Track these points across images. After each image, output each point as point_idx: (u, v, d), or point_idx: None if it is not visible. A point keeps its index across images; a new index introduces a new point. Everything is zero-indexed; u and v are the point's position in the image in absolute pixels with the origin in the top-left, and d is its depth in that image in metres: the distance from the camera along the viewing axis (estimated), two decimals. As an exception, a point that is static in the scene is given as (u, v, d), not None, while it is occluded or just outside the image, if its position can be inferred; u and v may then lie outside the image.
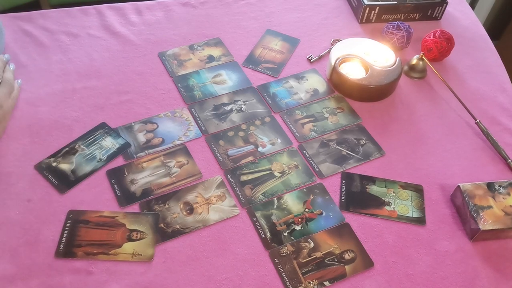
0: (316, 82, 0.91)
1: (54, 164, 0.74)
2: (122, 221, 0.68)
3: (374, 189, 0.75)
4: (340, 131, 0.83)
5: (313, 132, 0.82)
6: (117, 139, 0.79)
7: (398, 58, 0.89)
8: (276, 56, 0.95)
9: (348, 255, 0.67)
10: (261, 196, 0.73)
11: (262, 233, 0.69)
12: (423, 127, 0.85)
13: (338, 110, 0.86)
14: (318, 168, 0.77)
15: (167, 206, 0.71)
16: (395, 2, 1.01)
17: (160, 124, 0.81)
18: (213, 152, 0.78)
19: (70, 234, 0.66)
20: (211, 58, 0.94)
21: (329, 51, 0.94)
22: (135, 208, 0.71)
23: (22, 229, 0.67)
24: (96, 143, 0.78)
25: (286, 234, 0.69)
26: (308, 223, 0.70)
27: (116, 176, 0.74)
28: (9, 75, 0.80)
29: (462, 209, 0.72)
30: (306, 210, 0.72)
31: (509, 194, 0.72)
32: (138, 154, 0.77)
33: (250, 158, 0.78)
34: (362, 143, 0.81)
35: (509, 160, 0.80)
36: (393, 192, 0.75)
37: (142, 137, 0.79)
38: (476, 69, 0.96)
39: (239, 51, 0.96)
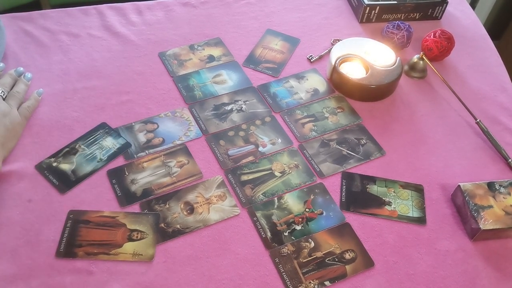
0: (316, 82, 0.91)
1: (54, 164, 0.74)
2: (123, 221, 0.68)
3: (374, 188, 0.75)
4: (340, 131, 0.83)
5: (313, 132, 0.82)
6: (118, 139, 0.79)
7: (398, 58, 0.89)
8: (276, 56, 0.95)
9: (349, 255, 0.67)
10: (261, 196, 0.73)
11: (262, 233, 0.69)
12: (424, 127, 0.85)
13: (338, 110, 0.86)
14: (319, 168, 0.77)
15: (167, 206, 0.71)
16: (396, 2, 1.01)
17: (161, 124, 0.81)
18: (214, 152, 0.78)
19: (71, 234, 0.66)
20: (211, 58, 0.94)
21: (329, 51, 0.94)
22: (135, 208, 0.71)
23: (23, 229, 0.67)
24: (97, 143, 0.78)
25: (286, 234, 0.69)
26: (308, 223, 0.70)
27: (117, 176, 0.74)
28: (21, 88, 0.81)
29: (463, 208, 0.72)
30: (307, 209, 0.72)
31: (509, 194, 0.72)
32: (139, 154, 0.77)
33: (251, 158, 0.78)
34: (362, 142, 0.81)
35: (510, 160, 0.79)
36: (394, 191, 0.75)
37: (142, 137, 0.79)
38: (476, 68, 0.96)
39: (240, 51, 0.95)
